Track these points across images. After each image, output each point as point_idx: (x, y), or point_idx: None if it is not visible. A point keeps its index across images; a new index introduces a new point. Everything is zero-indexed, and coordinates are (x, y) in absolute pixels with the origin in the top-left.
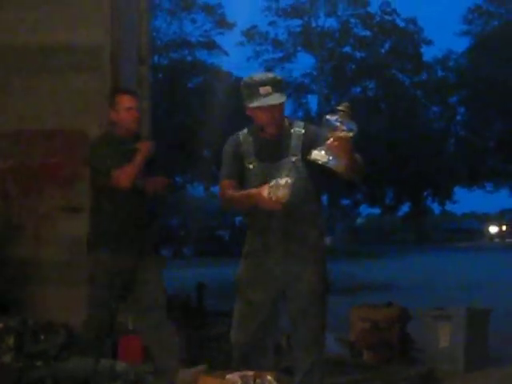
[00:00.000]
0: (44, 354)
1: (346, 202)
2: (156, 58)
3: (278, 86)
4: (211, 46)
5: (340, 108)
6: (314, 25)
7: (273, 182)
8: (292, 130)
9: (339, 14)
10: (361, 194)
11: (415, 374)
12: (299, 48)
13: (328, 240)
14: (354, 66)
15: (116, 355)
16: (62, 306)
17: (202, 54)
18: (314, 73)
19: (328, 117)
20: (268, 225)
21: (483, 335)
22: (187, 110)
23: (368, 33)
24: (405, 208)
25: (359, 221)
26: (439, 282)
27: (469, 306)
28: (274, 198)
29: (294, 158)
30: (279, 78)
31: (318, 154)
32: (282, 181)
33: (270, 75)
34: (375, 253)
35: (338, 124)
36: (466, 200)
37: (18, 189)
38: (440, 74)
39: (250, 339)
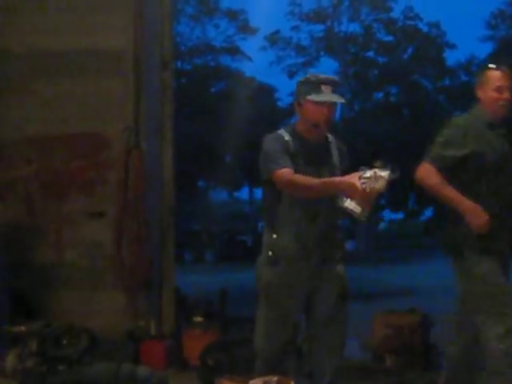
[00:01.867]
0: (66, 358)
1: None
2: (179, 63)
3: (337, 88)
4: (234, 51)
5: (376, 164)
6: (336, 30)
7: (370, 173)
8: (330, 139)
9: (362, 18)
10: (383, 199)
11: (438, 380)
12: (322, 53)
13: (350, 245)
14: (376, 71)
15: (139, 360)
16: (84, 310)
17: (225, 60)
18: (337, 78)
19: (362, 174)
20: (306, 230)
21: None
22: (210, 115)
23: (391, 38)
24: (428, 213)
25: (382, 226)
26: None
27: None
28: (367, 190)
29: (335, 165)
30: (339, 81)
31: (351, 204)
32: (384, 173)
33: (333, 77)
34: (398, 258)
35: (367, 183)
36: None
37: (40, 193)
38: (463, 78)
39: (279, 346)
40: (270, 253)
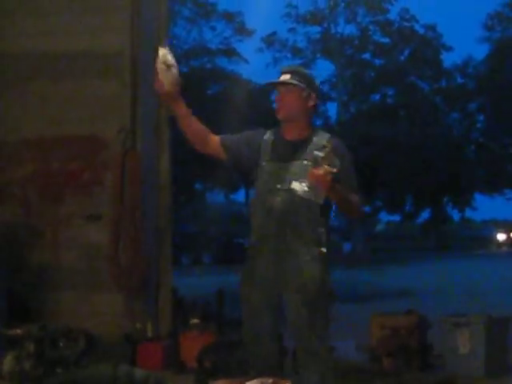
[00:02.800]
0: (64, 360)
1: (365, 208)
2: None
3: (297, 74)
4: (231, 53)
5: (325, 145)
6: (333, 31)
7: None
8: (314, 138)
9: (358, 20)
10: (380, 201)
11: (435, 381)
12: (318, 55)
13: (347, 247)
14: (373, 73)
15: (136, 361)
16: (81, 311)
17: (221, 62)
18: (333, 80)
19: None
20: (265, 228)
21: (503, 343)
22: (207, 117)
23: (387, 40)
24: (424, 215)
25: (379, 228)
26: (458, 288)
27: (488, 314)
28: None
29: (305, 162)
30: (304, 71)
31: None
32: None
33: (295, 66)
34: (395, 260)
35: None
36: (487, 207)
37: (37, 195)
38: (460, 80)
39: (254, 343)
40: (248, 250)
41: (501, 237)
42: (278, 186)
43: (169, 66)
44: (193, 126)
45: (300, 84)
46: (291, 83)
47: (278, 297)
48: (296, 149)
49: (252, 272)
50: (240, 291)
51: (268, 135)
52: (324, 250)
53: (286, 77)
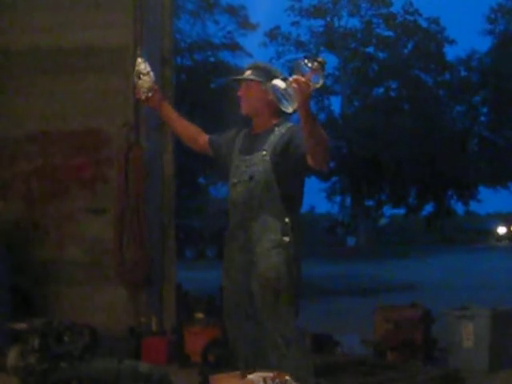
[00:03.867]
0: (68, 354)
1: (369, 202)
2: (179, 59)
3: (256, 69)
4: (234, 47)
5: (318, 59)
6: (336, 25)
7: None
8: (276, 128)
9: (362, 13)
10: (384, 195)
11: (439, 374)
12: (322, 48)
13: (351, 241)
14: (376, 67)
15: (140, 356)
16: (86, 306)
17: (225, 55)
18: (337, 73)
19: (300, 61)
20: (232, 220)
21: (507, 335)
22: (210, 110)
23: (391, 33)
24: (428, 208)
25: (383, 221)
26: (462, 282)
27: (492, 307)
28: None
29: (264, 152)
30: (264, 64)
31: (279, 82)
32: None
33: (256, 62)
34: (399, 253)
35: (308, 71)
36: (491, 200)
37: (41, 190)
38: (463, 73)
39: (233, 338)
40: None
41: (501, 230)
42: (238, 179)
43: (143, 75)
44: (181, 127)
45: (256, 78)
46: (248, 79)
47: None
48: (258, 141)
49: (225, 262)
50: (222, 282)
51: (242, 132)
52: (287, 238)
53: (246, 73)
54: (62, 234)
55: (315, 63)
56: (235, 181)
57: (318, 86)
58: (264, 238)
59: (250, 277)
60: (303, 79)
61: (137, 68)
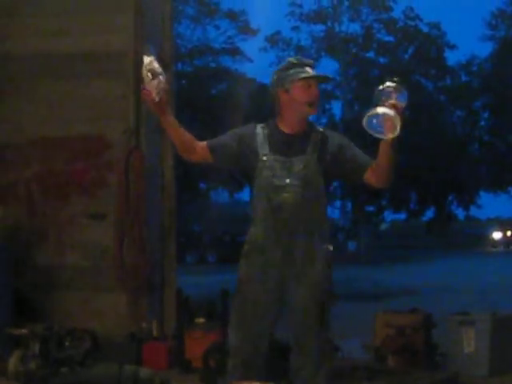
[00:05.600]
0: (69, 360)
1: (370, 207)
2: (180, 64)
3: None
4: (235, 52)
5: (393, 79)
6: (337, 30)
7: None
8: (313, 130)
9: (363, 19)
10: (385, 200)
11: (440, 379)
12: (322, 53)
13: (352, 246)
14: (377, 72)
15: (141, 361)
16: (86, 311)
17: (225, 61)
18: (338, 78)
19: (382, 88)
20: (270, 221)
21: (508, 340)
22: (211, 116)
23: (391, 38)
24: (429, 213)
25: (384, 226)
26: (464, 286)
27: (493, 311)
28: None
29: (310, 156)
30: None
31: (387, 110)
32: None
33: (308, 59)
34: (399, 258)
35: (392, 94)
36: (491, 205)
37: (42, 195)
38: (464, 78)
39: (253, 344)
40: (246, 246)
41: (496, 235)
42: (287, 181)
43: (155, 75)
44: (180, 135)
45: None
46: (329, 77)
47: (281, 296)
48: (297, 141)
49: (260, 270)
50: (244, 290)
51: (259, 129)
52: (331, 247)
53: (312, 70)
54: (63, 239)
55: (394, 84)
56: (280, 183)
57: (405, 101)
58: (314, 246)
59: (291, 287)
60: (399, 104)
61: (149, 67)
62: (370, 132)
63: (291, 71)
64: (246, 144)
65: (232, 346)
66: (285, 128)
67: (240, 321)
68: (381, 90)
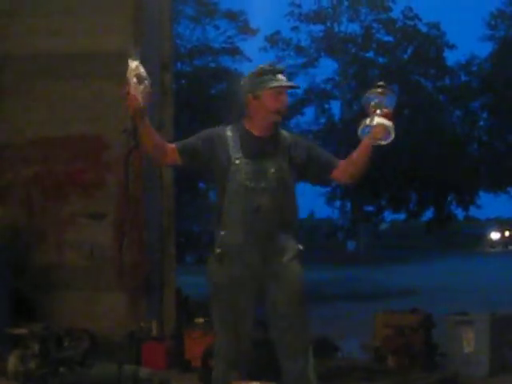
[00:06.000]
0: (68, 359)
1: (369, 207)
2: (179, 64)
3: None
4: (234, 52)
5: (379, 84)
6: (336, 30)
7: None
8: (280, 133)
9: (362, 19)
10: (385, 200)
11: (439, 379)
12: (322, 53)
13: (351, 246)
14: (376, 72)
15: (140, 361)
16: (85, 311)
17: (225, 61)
18: (337, 78)
19: (368, 94)
20: (247, 224)
21: (507, 340)
22: (211, 116)
23: (390, 38)
24: (429, 213)
25: (383, 226)
26: (463, 286)
27: (492, 311)
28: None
29: (280, 160)
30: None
31: (385, 121)
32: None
33: (280, 65)
34: (399, 258)
35: (381, 99)
36: (491, 206)
37: (41, 195)
38: (463, 78)
39: (236, 344)
40: (218, 250)
41: (495, 235)
42: (262, 185)
43: (141, 80)
44: (154, 138)
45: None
46: (297, 87)
47: (257, 297)
48: (267, 144)
49: (236, 273)
50: (219, 297)
51: (229, 131)
52: (301, 246)
53: (284, 77)
54: (62, 239)
55: (379, 89)
56: (255, 186)
57: (392, 108)
58: (287, 247)
59: (269, 289)
60: (389, 110)
61: (136, 72)
62: (378, 140)
63: (263, 78)
64: (217, 146)
65: (217, 348)
66: (255, 131)
67: (222, 325)
68: (368, 97)
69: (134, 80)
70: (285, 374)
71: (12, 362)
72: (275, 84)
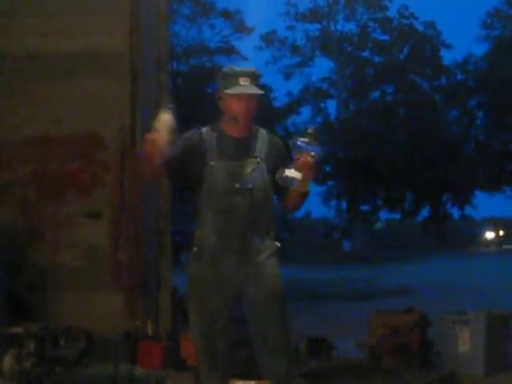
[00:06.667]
0: (64, 359)
1: (365, 206)
2: (175, 63)
3: (256, 79)
4: (230, 51)
5: (308, 131)
6: (332, 29)
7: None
8: (258, 134)
9: (358, 18)
10: (380, 199)
11: (435, 379)
12: (318, 53)
13: (347, 245)
14: (372, 71)
15: (136, 360)
16: (81, 311)
17: (221, 60)
18: (333, 77)
19: (295, 141)
20: (223, 223)
21: (503, 339)
22: (206, 115)
23: (386, 37)
24: (424, 213)
25: (378, 225)
26: (459, 286)
27: (488, 311)
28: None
29: (258, 159)
30: (258, 72)
31: (293, 173)
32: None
33: (251, 68)
34: (394, 258)
35: (307, 147)
36: (487, 205)
37: (37, 194)
38: (460, 77)
39: (214, 342)
40: (196, 248)
41: (489, 235)
42: (237, 186)
43: (171, 132)
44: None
45: (261, 92)
46: (261, 94)
47: (233, 297)
48: (244, 145)
49: (210, 273)
50: (194, 295)
51: (206, 133)
52: (278, 244)
53: (246, 81)
54: (58, 238)
55: (307, 137)
56: (230, 187)
57: (319, 154)
58: (263, 246)
59: (245, 288)
60: (309, 159)
61: (168, 124)
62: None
63: (226, 81)
64: (193, 149)
65: (196, 343)
66: (232, 132)
67: (197, 321)
68: (294, 143)
69: (165, 132)
70: (268, 374)
71: (8, 361)
72: (230, 90)
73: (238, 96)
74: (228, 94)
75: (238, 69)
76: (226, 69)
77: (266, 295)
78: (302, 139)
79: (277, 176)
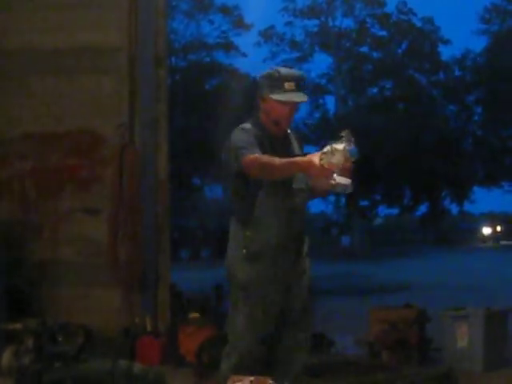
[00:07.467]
0: (63, 355)
1: (363, 202)
2: (173, 59)
3: (301, 84)
4: (229, 47)
5: (342, 134)
6: (330, 25)
7: (327, 148)
8: (288, 132)
9: (356, 13)
10: (379, 195)
11: (433, 374)
12: (316, 48)
13: (346, 241)
14: (371, 67)
15: (134, 356)
16: (80, 306)
17: (219, 56)
18: (331, 73)
19: (332, 145)
20: (284, 225)
21: (501, 335)
22: (205, 111)
23: (385, 33)
24: (423, 208)
25: (377, 221)
26: (457, 282)
27: (487, 307)
28: (326, 166)
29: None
30: (304, 76)
31: (342, 179)
32: (340, 146)
33: (297, 72)
34: (393, 253)
35: (351, 151)
36: (485, 200)
37: (36, 190)
38: (458, 73)
39: (263, 342)
40: (249, 249)
41: (486, 230)
42: (296, 186)
43: (347, 159)
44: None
45: (307, 98)
46: (300, 102)
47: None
48: (286, 146)
49: (271, 272)
50: (255, 293)
51: (253, 129)
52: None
53: (291, 86)
54: (57, 234)
55: (342, 140)
56: (289, 187)
57: (357, 154)
58: (305, 246)
59: (296, 283)
60: (349, 164)
61: (347, 155)
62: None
63: (271, 84)
64: (257, 144)
65: (242, 347)
66: (273, 130)
67: (251, 323)
68: (333, 148)
69: (342, 161)
70: (285, 366)
71: (6, 357)
72: (277, 96)
73: (283, 102)
74: (274, 99)
75: (283, 72)
76: (271, 71)
77: (305, 288)
78: (338, 144)
79: (326, 183)
